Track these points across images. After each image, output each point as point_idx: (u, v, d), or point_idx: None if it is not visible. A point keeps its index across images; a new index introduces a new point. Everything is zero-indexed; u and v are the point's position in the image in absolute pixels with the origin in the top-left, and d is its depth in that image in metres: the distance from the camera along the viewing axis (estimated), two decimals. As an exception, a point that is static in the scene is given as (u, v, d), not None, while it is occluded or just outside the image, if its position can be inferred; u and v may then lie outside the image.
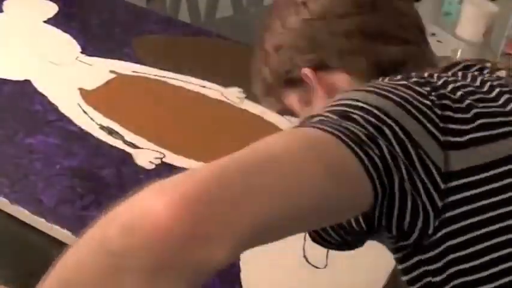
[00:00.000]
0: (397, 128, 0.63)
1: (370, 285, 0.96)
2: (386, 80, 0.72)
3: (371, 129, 0.61)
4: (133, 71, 1.33)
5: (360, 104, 0.64)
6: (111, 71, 1.32)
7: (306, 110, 0.93)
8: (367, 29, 0.85)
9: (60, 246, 0.97)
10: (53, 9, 1.49)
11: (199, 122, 1.23)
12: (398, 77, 0.71)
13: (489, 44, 1.95)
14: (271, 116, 1.25)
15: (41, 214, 0.99)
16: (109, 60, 1.35)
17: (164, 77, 1.33)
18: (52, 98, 1.23)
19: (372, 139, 0.60)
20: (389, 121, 0.63)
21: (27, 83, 1.26)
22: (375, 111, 0.63)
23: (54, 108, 1.20)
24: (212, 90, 1.31)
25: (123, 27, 1.46)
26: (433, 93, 0.67)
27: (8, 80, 1.26)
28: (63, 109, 1.21)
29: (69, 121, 1.18)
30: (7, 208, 1.00)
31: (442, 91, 0.68)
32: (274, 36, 0.90)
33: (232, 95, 1.30)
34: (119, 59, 1.36)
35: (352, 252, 0.98)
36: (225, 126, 1.23)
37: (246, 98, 1.29)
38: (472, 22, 1.86)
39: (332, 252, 0.98)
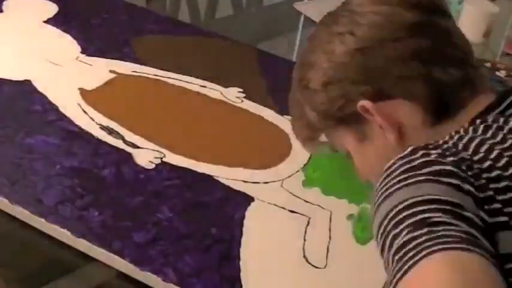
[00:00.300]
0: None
1: (370, 285, 0.96)
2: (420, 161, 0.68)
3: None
4: (133, 71, 1.33)
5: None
6: (111, 71, 1.32)
7: (364, 146, 0.86)
8: (423, 52, 0.79)
9: (61, 247, 0.98)
10: (53, 9, 1.49)
11: (199, 122, 1.23)
12: (432, 156, 0.68)
13: (489, 44, 1.95)
14: (271, 116, 1.26)
15: (40, 214, 0.99)
16: (109, 60, 1.35)
17: (164, 77, 1.33)
18: (52, 98, 1.23)
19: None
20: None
21: (27, 83, 1.26)
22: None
23: (54, 108, 1.20)
24: (212, 90, 1.31)
25: (123, 27, 1.46)
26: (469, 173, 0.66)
27: (8, 80, 1.26)
28: (63, 109, 1.21)
29: (69, 121, 1.18)
30: (7, 208, 1.00)
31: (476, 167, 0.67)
32: (320, 73, 0.82)
33: (232, 95, 1.30)
34: (119, 59, 1.36)
35: (351, 251, 0.99)
36: (224, 126, 1.23)
37: (245, 98, 1.29)
38: (472, 22, 1.85)
39: (332, 252, 0.99)
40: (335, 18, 0.83)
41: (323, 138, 0.90)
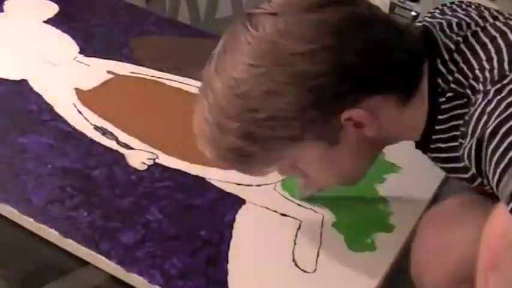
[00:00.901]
0: None
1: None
2: None
3: None
4: (131, 72, 1.33)
5: None
6: (109, 72, 1.32)
7: (333, 151, 0.85)
8: (371, 43, 0.81)
9: (54, 249, 0.97)
10: (53, 9, 1.49)
11: (195, 124, 1.22)
12: None
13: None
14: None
15: (29, 214, 0.99)
16: (107, 60, 1.35)
17: (161, 78, 1.32)
18: (48, 98, 1.23)
19: None
20: None
21: (23, 82, 1.26)
22: None
23: (49, 108, 1.20)
24: (209, 91, 1.30)
25: (122, 28, 1.46)
26: None
27: (4, 79, 1.26)
28: (59, 109, 1.20)
29: (64, 121, 1.18)
30: (-4, 207, 1.00)
31: None
32: (295, 96, 0.80)
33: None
34: (117, 59, 1.36)
35: (342, 256, 0.98)
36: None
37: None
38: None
39: (321, 256, 0.97)
40: None
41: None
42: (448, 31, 0.86)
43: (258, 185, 1.09)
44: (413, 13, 1.53)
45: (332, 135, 0.83)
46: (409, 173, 1.12)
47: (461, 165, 0.81)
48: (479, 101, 0.75)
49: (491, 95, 0.74)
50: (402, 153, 1.03)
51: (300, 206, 1.06)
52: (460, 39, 0.84)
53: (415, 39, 0.85)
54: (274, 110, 0.80)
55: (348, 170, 0.89)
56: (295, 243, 0.99)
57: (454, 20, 0.87)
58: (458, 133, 0.80)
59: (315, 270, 0.95)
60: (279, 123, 0.81)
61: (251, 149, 0.83)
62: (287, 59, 0.79)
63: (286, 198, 1.07)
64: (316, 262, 0.96)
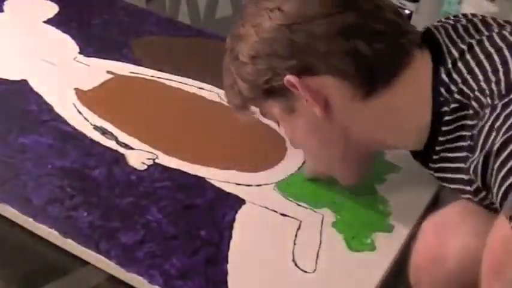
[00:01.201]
0: None
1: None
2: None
3: None
4: (131, 72, 1.33)
5: None
6: (108, 72, 1.31)
7: (290, 118, 0.90)
8: (348, 28, 0.82)
9: (54, 249, 0.97)
10: (53, 9, 1.49)
11: (195, 124, 1.22)
12: None
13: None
14: (267, 118, 1.24)
15: (29, 214, 0.99)
16: (107, 60, 1.35)
17: (161, 78, 1.32)
18: (48, 98, 1.23)
19: None
20: None
21: (23, 82, 1.26)
22: None
23: (49, 108, 1.20)
24: (209, 92, 1.30)
25: (122, 28, 1.46)
26: None
27: (4, 79, 1.26)
28: (58, 109, 1.20)
29: (63, 121, 1.17)
30: (-4, 207, 1.00)
31: None
32: (248, 46, 0.86)
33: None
34: (117, 59, 1.36)
35: (341, 256, 0.97)
36: (220, 128, 1.22)
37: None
38: (472, 22, 1.83)
39: (321, 256, 0.97)
40: None
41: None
42: (454, 36, 0.85)
43: (258, 185, 1.09)
44: (407, 11, 1.52)
45: (287, 100, 0.87)
46: (409, 173, 1.12)
47: (466, 177, 0.80)
48: (487, 116, 0.75)
49: (499, 109, 0.74)
50: (402, 153, 1.03)
51: (300, 206, 1.06)
52: (464, 47, 0.83)
53: (405, 34, 0.85)
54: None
55: (314, 149, 0.93)
56: (295, 243, 0.99)
57: (460, 26, 0.86)
58: (464, 143, 0.80)
59: (315, 270, 0.95)
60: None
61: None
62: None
63: (286, 198, 1.07)
64: (316, 262, 0.96)
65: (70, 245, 0.95)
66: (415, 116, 0.85)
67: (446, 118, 0.82)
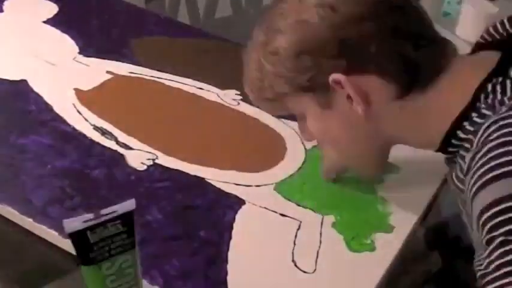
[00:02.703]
0: None
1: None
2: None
3: None
4: (130, 72, 1.33)
5: None
6: (108, 72, 1.31)
7: (324, 114, 0.90)
8: (397, 30, 0.82)
9: (53, 249, 0.97)
10: (53, 9, 1.49)
11: (195, 124, 1.22)
12: None
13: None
14: (267, 118, 1.24)
15: (29, 214, 0.99)
16: (106, 61, 1.35)
17: (161, 78, 1.32)
18: (48, 98, 1.23)
19: None
20: None
21: (23, 82, 1.26)
22: None
23: (48, 109, 1.20)
24: (209, 92, 1.30)
25: (122, 28, 1.46)
26: None
27: (4, 79, 1.26)
28: (58, 109, 1.20)
29: (63, 121, 1.17)
30: (-4, 208, 1.00)
31: None
32: (292, 41, 0.84)
33: (229, 97, 1.29)
34: (117, 60, 1.36)
35: (341, 257, 0.97)
36: (220, 128, 1.22)
37: (242, 100, 1.27)
38: (472, 22, 1.83)
39: (321, 256, 0.97)
40: None
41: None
42: None
43: (258, 185, 1.09)
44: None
45: (325, 97, 0.86)
46: (409, 173, 1.12)
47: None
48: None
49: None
50: (402, 153, 1.03)
51: (300, 206, 1.06)
52: None
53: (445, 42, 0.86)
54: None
55: (344, 144, 0.92)
56: (294, 244, 0.99)
57: None
58: (462, 163, 0.81)
59: (315, 270, 0.95)
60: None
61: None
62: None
63: (286, 198, 1.07)
64: (316, 262, 0.96)
65: (70, 245, 0.95)
66: (439, 122, 0.85)
67: (458, 133, 0.83)
